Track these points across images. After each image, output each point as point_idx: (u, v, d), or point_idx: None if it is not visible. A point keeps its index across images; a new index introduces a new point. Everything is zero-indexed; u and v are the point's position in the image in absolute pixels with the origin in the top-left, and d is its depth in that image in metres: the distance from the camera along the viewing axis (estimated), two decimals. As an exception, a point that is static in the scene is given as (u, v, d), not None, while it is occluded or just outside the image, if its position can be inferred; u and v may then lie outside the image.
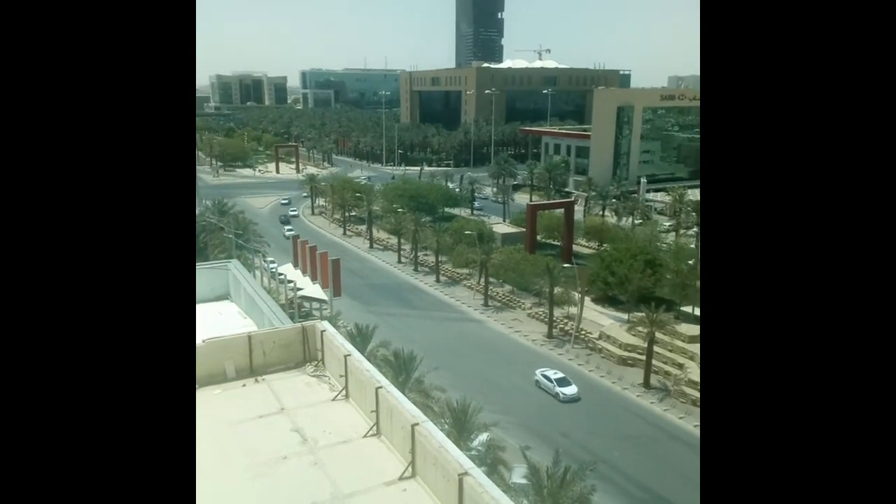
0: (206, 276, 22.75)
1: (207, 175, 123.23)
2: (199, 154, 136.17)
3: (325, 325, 13.23)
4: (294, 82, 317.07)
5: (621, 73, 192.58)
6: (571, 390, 39.02)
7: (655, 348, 40.85)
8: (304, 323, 13.73)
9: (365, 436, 10.23)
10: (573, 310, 49.63)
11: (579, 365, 43.70)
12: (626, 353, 43.76)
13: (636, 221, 74.47)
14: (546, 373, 40.66)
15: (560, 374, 40.43)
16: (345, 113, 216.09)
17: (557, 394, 38.91)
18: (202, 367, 12.22)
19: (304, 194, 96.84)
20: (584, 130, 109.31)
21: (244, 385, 12.30)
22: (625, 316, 48.35)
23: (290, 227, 79.58)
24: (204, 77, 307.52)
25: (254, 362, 12.70)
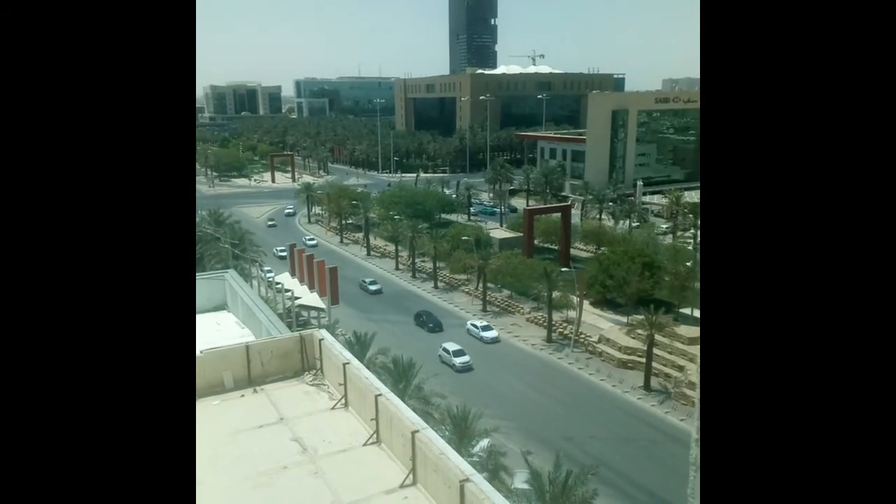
0: (202, 286, 22.67)
1: (203, 185, 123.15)
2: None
3: (324, 333, 13.18)
4: (288, 91, 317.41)
5: (615, 76, 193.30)
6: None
7: (655, 351, 40.81)
8: (302, 332, 13.68)
9: (365, 444, 10.17)
10: (572, 314, 49.59)
11: (579, 369, 43.62)
12: (626, 356, 43.70)
13: (633, 224, 74.55)
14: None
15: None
16: (340, 121, 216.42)
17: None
18: (200, 377, 12.14)
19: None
20: (580, 135, 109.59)
21: (242, 395, 12.24)
22: (624, 319, 48.32)
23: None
24: (198, 88, 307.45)
25: (252, 372, 12.64)
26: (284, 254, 68.38)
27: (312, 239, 77.89)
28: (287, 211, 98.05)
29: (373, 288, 60.44)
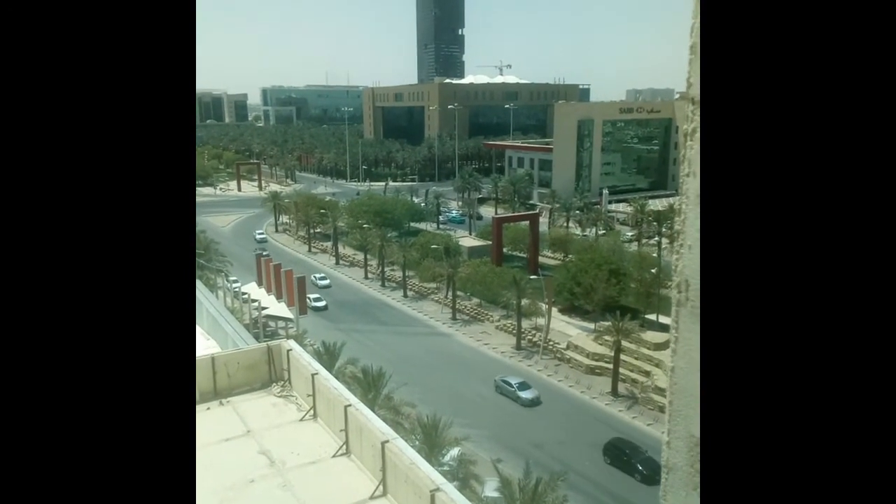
0: (167, 297, 22.20)
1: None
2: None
3: (291, 344, 13.05)
4: (255, 99, 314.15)
5: (581, 87, 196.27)
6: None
7: (622, 357, 41.38)
8: (269, 342, 13.51)
9: (334, 455, 10.08)
10: (541, 321, 49.96)
11: (548, 376, 43.93)
12: (594, 363, 44.19)
13: (599, 232, 75.66)
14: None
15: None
16: (307, 129, 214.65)
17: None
18: (164, 391, 11.90)
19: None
20: (547, 144, 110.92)
21: (208, 408, 12.02)
22: (591, 325, 48.89)
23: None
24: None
25: (218, 384, 12.42)
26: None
27: (325, 277, 65.41)
28: (258, 236, 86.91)
29: (528, 396, 39.17)
